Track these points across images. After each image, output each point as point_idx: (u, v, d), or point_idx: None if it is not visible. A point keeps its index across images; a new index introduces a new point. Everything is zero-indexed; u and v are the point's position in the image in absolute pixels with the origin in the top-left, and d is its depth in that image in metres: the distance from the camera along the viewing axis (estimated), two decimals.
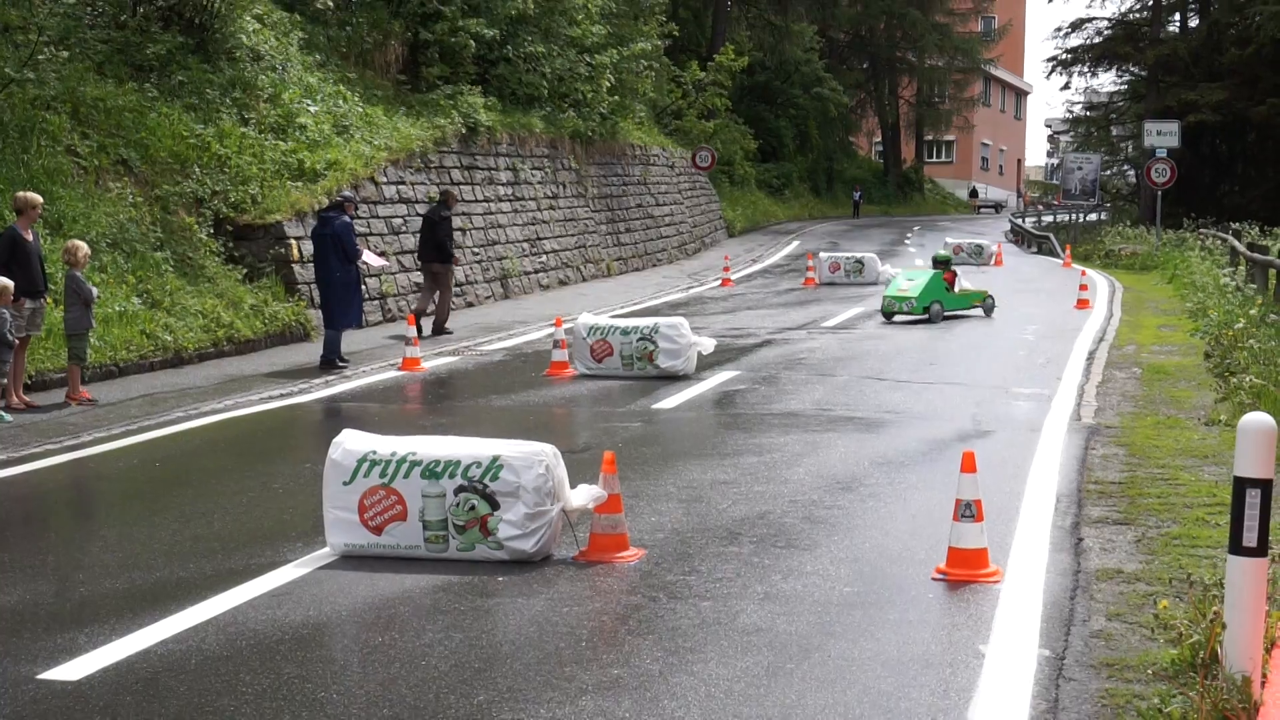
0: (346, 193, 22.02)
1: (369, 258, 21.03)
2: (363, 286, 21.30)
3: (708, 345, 19.37)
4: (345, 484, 9.76)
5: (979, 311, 28.27)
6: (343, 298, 20.57)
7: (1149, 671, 7.33)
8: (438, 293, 25.66)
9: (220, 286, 22.66)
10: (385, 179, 28.49)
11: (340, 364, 20.39)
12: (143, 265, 21.35)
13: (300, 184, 25.67)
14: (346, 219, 20.61)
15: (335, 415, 16.63)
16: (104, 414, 16.29)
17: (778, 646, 7.78)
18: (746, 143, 65.67)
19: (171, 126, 24.39)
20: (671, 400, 17.22)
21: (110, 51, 25.00)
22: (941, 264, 28.37)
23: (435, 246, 25.36)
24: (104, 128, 23.20)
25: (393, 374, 20.01)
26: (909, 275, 28.44)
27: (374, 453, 9.82)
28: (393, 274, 27.54)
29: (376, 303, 26.69)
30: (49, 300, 17.58)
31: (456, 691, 7.05)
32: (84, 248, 17.37)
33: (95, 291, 17.44)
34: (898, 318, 27.39)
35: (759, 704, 6.88)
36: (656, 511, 11.04)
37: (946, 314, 27.53)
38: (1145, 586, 8.93)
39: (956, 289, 28.09)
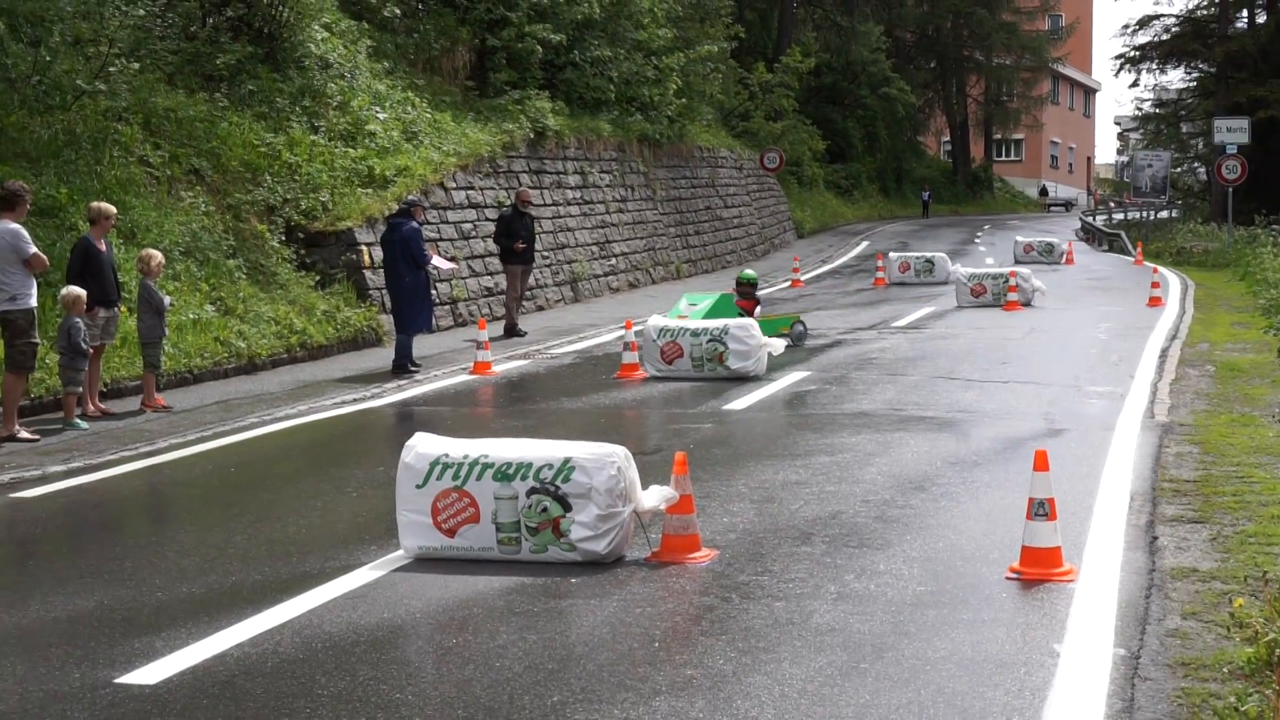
0: (414, 198, 22.11)
1: (438, 263, 21.11)
2: (433, 291, 21.32)
3: (778, 346, 19.35)
4: (418, 487, 9.81)
5: (1040, 307, 28.01)
6: (412, 303, 20.64)
7: (1225, 670, 7.27)
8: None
9: (293, 293, 22.83)
10: (454, 184, 28.60)
11: (412, 369, 20.47)
12: (216, 273, 21.54)
13: (370, 190, 25.82)
14: (414, 224, 20.68)
15: (407, 419, 16.71)
16: (179, 420, 16.44)
17: (851, 646, 7.76)
18: (814, 144, 65.48)
19: (242, 135, 24.59)
20: (742, 401, 17.21)
21: (180, 62, 25.23)
22: (745, 286, 23.04)
23: (501, 248, 25.70)
24: (175, 138, 23.42)
25: (464, 378, 20.09)
26: (693, 299, 23.07)
27: (446, 456, 9.86)
28: (463, 278, 27.66)
29: (447, 307, 26.81)
30: (123, 309, 17.75)
31: (531, 692, 7.07)
32: (157, 256, 17.54)
33: (168, 300, 17.60)
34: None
35: (833, 704, 6.87)
36: (728, 512, 11.04)
37: None
38: (1220, 585, 8.85)
39: (757, 314, 22.35)
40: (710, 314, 21.63)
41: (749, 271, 24.06)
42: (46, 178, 20.08)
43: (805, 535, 10.30)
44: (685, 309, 22.45)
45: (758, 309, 22.79)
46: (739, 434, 15.34)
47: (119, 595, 9.16)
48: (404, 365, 20.53)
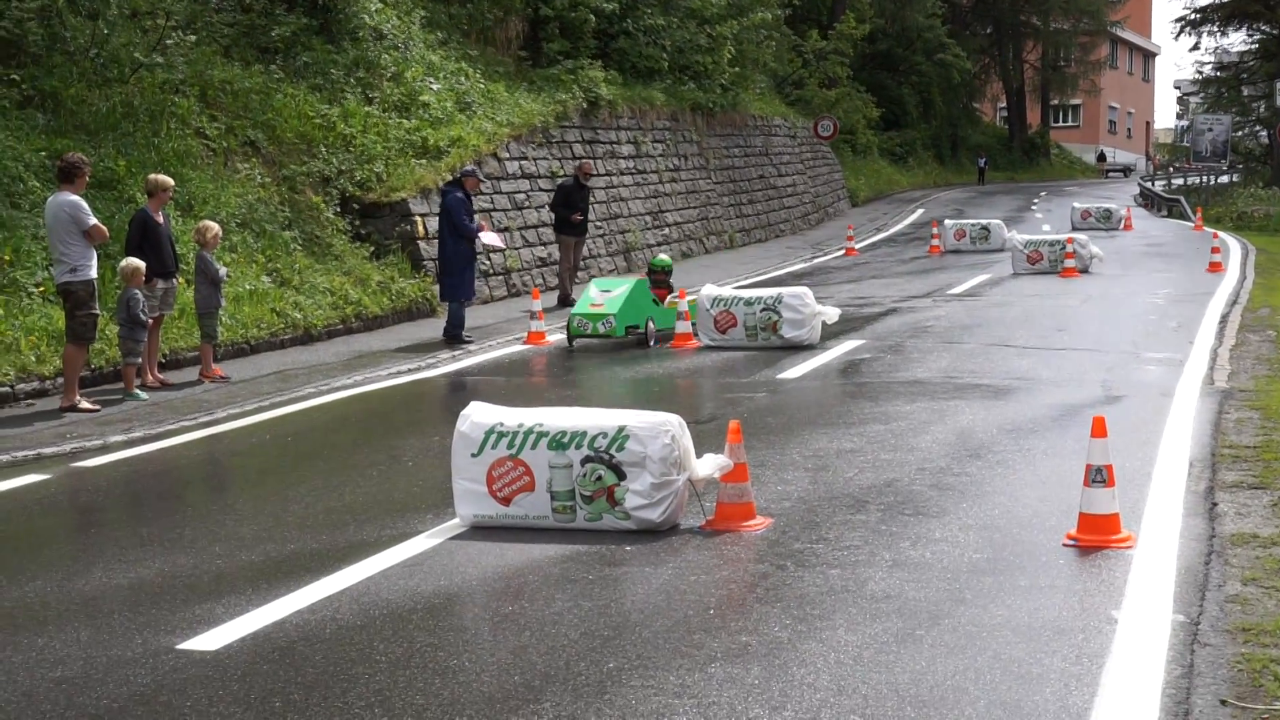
0: (469, 168, 22.09)
1: (486, 238, 21.04)
2: (476, 260, 21.23)
3: (832, 315, 19.31)
4: (473, 456, 9.85)
5: (1097, 274, 27.85)
6: (452, 270, 20.74)
7: None
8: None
9: (348, 264, 22.92)
10: (508, 154, 28.62)
11: (466, 339, 20.53)
12: (272, 244, 21.65)
13: (424, 161, 25.89)
14: (459, 194, 20.72)
15: (462, 389, 16.77)
16: (236, 391, 16.55)
17: (907, 613, 7.75)
18: (869, 111, 65.16)
19: (297, 107, 24.70)
20: (796, 370, 17.19)
21: (236, 35, 25.36)
22: (659, 273, 21.66)
23: (557, 217, 25.76)
24: (231, 110, 23.54)
25: (518, 348, 20.16)
26: (604, 285, 20.82)
27: (501, 424, 9.89)
28: (516, 249, 27.70)
29: (501, 278, 26.86)
30: (181, 281, 17.86)
31: (586, 659, 7.10)
32: (214, 228, 17.63)
33: (225, 271, 17.70)
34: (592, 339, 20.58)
35: (889, 670, 6.87)
36: (783, 480, 11.04)
37: (660, 334, 20.68)
38: None
39: (668, 303, 21.06)
40: (625, 302, 19.89)
41: (663, 257, 22.33)
42: (105, 150, 20.22)
43: (860, 503, 10.29)
44: (597, 296, 20.26)
45: (669, 296, 21.15)
46: (793, 402, 15.33)
47: (179, 563, 9.24)
48: (457, 334, 20.59)
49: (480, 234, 20.80)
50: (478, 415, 10.04)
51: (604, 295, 20.21)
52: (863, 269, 33.19)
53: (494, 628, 7.87)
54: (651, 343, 20.18)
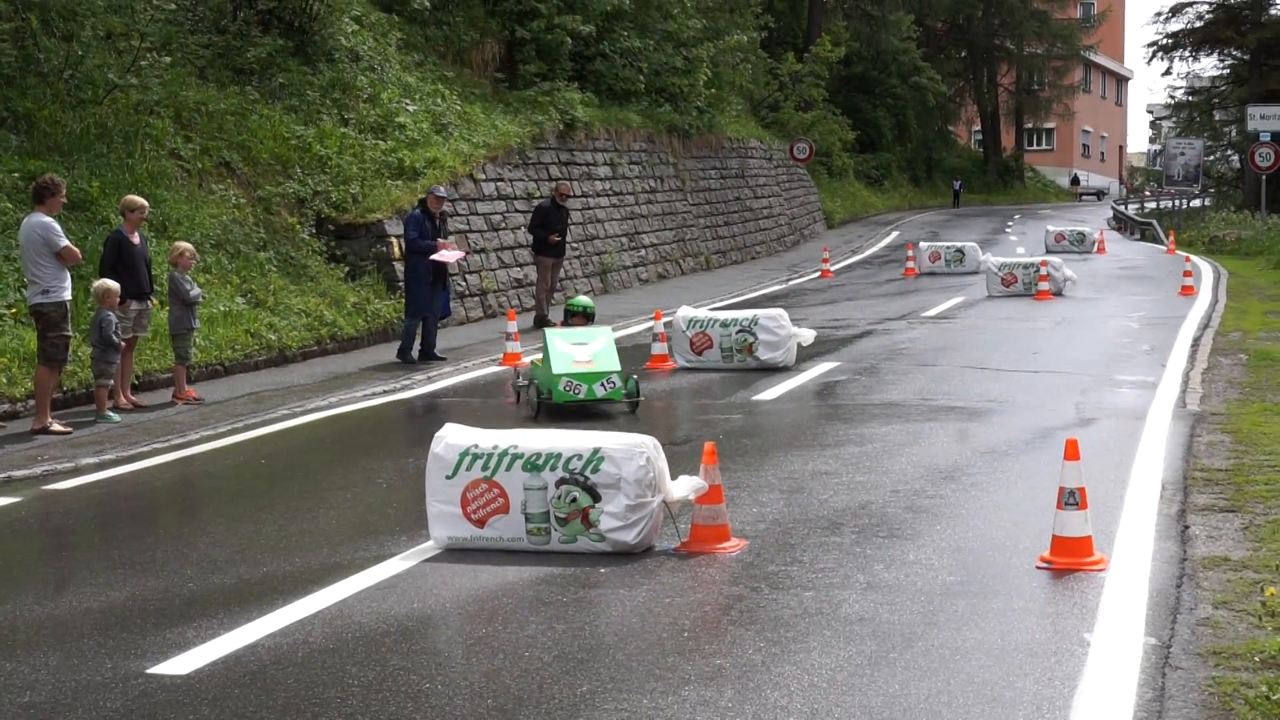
0: (435, 188, 21.84)
1: (441, 255, 20.84)
2: (430, 279, 20.98)
3: (807, 337, 19.33)
4: (448, 478, 9.83)
5: (1071, 297, 27.95)
6: (409, 286, 20.99)
7: (1256, 659, 7.25)
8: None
9: (323, 285, 22.89)
10: (484, 176, 28.64)
11: (409, 359, 20.58)
12: (247, 265, 21.62)
13: (400, 182, 25.88)
14: (416, 213, 20.80)
15: (437, 410, 16.75)
16: (210, 413, 16.49)
17: (881, 636, 7.75)
18: (844, 134, 65.32)
19: (273, 128, 24.68)
20: (772, 392, 17.20)
21: (211, 56, 25.34)
22: (579, 316, 17.54)
23: (535, 239, 25.75)
24: (206, 131, 23.51)
25: (494, 369, 20.12)
26: (569, 337, 16.29)
27: (476, 446, 9.88)
28: (492, 270, 27.69)
29: (477, 299, 26.84)
30: (155, 302, 17.80)
31: (560, 682, 7.09)
32: (188, 249, 17.58)
33: (199, 293, 17.64)
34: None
35: (862, 693, 6.86)
36: (758, 502, 11.04)
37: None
38: (1253, 574, 8.81)
39: None
40: (613, 354, 16.13)
41: (583, 299, 18.09)
42: (79, 171, 20.18)
43: (834, 525, 10.29)
44: (573, 350, 15.91)
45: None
46: (768, 424, 15.34)
47: (151, 586, 9.20)
48: (404, 351, 20.64)
49: (436, 253, 20.62)
50: (452, 437, 10.02)
51: (582, 348, 15.89)
52: (838, 291, 33.24)
53: (467, 651, 7.85)
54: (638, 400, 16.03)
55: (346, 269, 23.90)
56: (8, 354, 16.57)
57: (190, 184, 22.37)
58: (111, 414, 15.96)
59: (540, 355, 16.62)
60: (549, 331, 16.46)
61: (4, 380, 16.18)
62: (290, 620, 8.25)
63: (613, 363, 15.76)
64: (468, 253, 25.86)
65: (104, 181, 20.40)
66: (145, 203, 17.42)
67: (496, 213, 28.66)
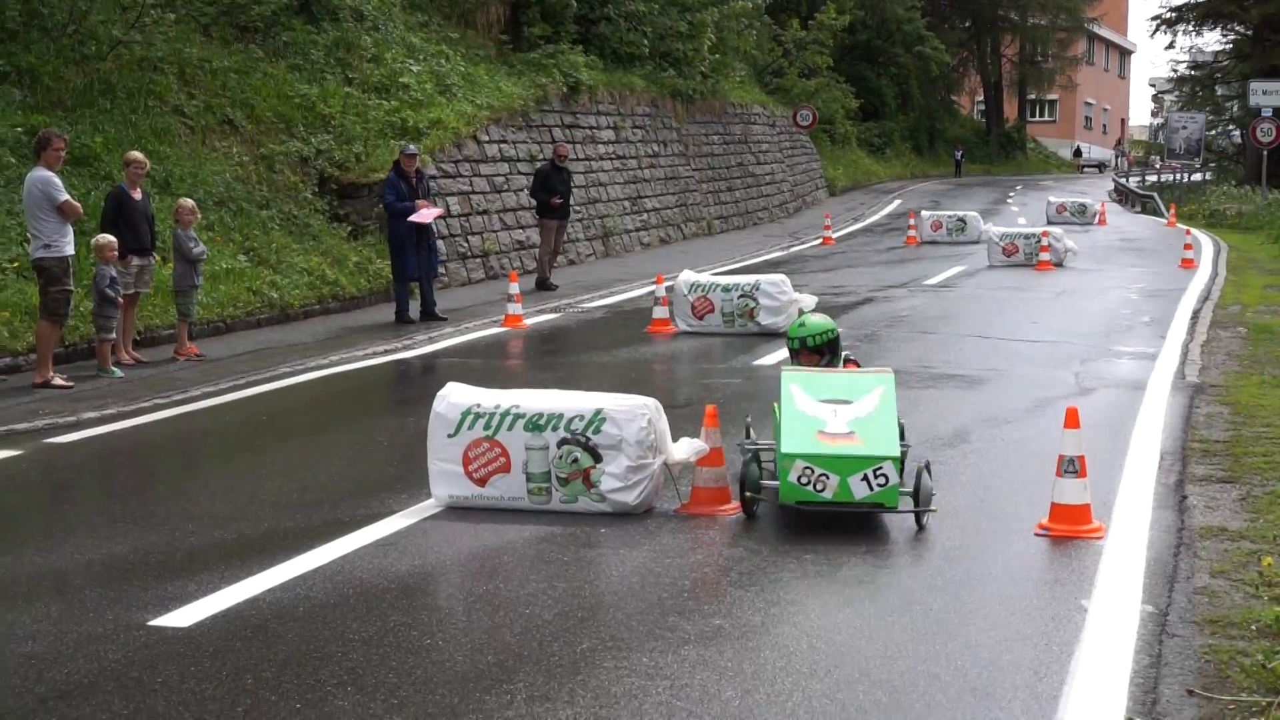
0: (408, 149, 21.65)
1: (418, 215, 20.73)
2: (410, 239, 20.90)
3: (809, 302, 19.30)
4: (450, 436, 9.85)
5: (1071, 267, 28.02)
6: (391, 249, 21.15)
7: (1252, 628, 7.29)
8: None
9: (325, 244, 22.89)
10: (487, 137, 28.58)
11: (407, 319, 20.60)
12: (249, 223, 21.61)
13: (403, 142, 25.81)
14: (390, 175, 20.91)
15: (437, 371, 16.76)
16: (212, 369, 16.51)
17: (879, 599, 7.80)
18: (848, 101, 65.17)
19: (276, 87, 24.65)
20: (772, 357, 17.20)
21: (216, 14, 25.28)
22: (809, 352, 10.47)
23: (538, 202, 25.72)
24: (210, 88, 23.48)
25: (495, 330, 20.13)
26: (830, 387, 9.70)
27: (478, 406, 9.90)
28: (494, 231, 27.66)
29: (479, 260, 26.82)
30: (158, 258, 17.79)
31: (560, 639, 7.12)
32: (190, 205, 17.58)
33: (202, 250, 17.64)
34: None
35: (861, 655, 6.90)
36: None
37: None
38: (1249, 544, 8.86)
39: None
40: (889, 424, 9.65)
41: (816, 319, 10.77)
42: (82, 127, 20.17)
43: None
44: (825, 414, 9.44)
45: None
46: (768, 389, 15.29)
47: (152, 540, 9.22)
48: (400, 313, 20.67)
49: (414, 215, 20.56)
50: (455, 396, 10.04)
51: (836, 410, 9.48)
52: (839, 258, 33.22)
53: (468, 607, 7.89)
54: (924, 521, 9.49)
55: (349, 228, 23.88)
56: (10, 308, 16.58)
57: (194, 141, 22.35)
58: (113, 369, 15.98)
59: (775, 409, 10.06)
60: (787, 373, 9.79)
61: (6, 334, 16.19)
62: (291, 575, 8.28)
63: (888, 441, 9.24)
64: (446, 212, 25.66)
65: (107, 137, 20.39)
66: (142, 157, 17.39)
67: (499, 174, 28.61)
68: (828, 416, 9.34)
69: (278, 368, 16.67)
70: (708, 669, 6.71)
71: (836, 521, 9.28)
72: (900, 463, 9.18)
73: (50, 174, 15.25)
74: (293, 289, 21.06)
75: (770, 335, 18.84)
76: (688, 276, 20.16)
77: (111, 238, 16.11)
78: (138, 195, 16.98)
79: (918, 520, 9.25)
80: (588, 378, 15.68)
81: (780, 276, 19.74)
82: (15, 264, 17.28)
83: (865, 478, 9.04)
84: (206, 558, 8.76)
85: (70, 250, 15.36)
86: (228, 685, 6.57)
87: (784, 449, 9.16)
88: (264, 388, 15.52)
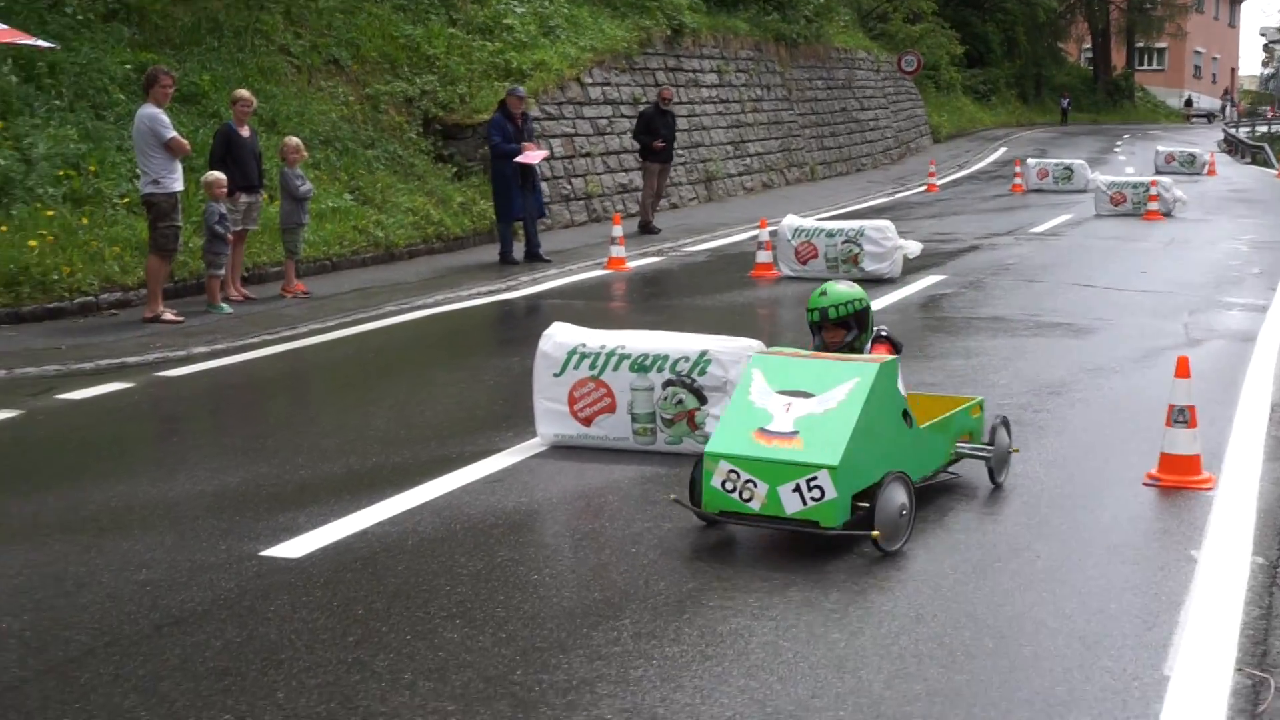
0: (511, 87, 21.71)
1: (525, 156, 20.79)
2: (516, 180, 20.96)
3: (914, 249, 19.19)
4: (555, 376, 9.89)
5: (1180, 218, 27.69)
6: (496, 191, 21.06)
7: None
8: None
9: (429, 184, 22.99)
10: (590, 80, 28.55)
11: (510, 260, 20.62)
12: (355, 162, 21.74)
13: (507, 84, 25.83)
14: (497, 116, 20.82)
15: (541, 311, 16.80)
16: (318, 307, 16.65)
17: (986, 546, 7.75)
18: (953, 47, 64.50)
19: (381, 27, 24.75)
20: (876, 303, 17.02)
21: None
22: (832, 325, 8.87)
23: (641, 145, 25.66)
24: (316, 27, 23.61)
25: (598, 273, 20.17)
26: (801, 374, 8.03)
27: (583, 346, 9.92)
28: (598, 174, 27.65)
29: (582, 203, 26.85)
30: (265, 196, 17.94)
31: (666, 578, 7.14)
32: (296, 144, 17.70)
33: (309, 188, 17.76)
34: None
35: (968, 600, 6.87)
36: None
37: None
38: None
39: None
40: (858, 429, 7.83)
41: (841, 286, 9.05)
42: (190, 65, 20.35)
43: None
44: (773, 404, 7.90)
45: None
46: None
47: (262, 472, 9.34)
48: (506, 254, 20.72)
49: (521, 155, 20.63)
50: (560, 335, 10.07)
51: (790, 404, 7.87)
52: (944, 205, 32.95)
53: (574, 545, 7.93)
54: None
55: (454, 169, 23.96)
56: (120, 243, 16.80)
57: (300, 80, 22.50)
58: (222, 305, 16.16)
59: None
60: (757, 356, 8.50)
61: (117, 269, 16.41)
62: (400, 510, 8.36)
63: (832, 446, 7.51)
64: (551, 154, 25.66)
65: (215, 75, 20.57)
66: (251, 95, 17.52)
67: (602, 117, 28.59)
68: (777, 411, 7.80)
69: (383, 306, 16.79)
70: (813, 611, 6.72)
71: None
72: (843, 473, 7.41)
73: (158, 111, 15.41)
74: (398, 229, 21.18)
75: (875, 281, 18.73)
76: (791, 221, 20.07)
77: (220, 175, 16.25)
78: (245, 133, 17.13)
79: (879, 540, 7.44)
80: (691, 321, 15.67)
81: (885, 222, 19.62)
82: (125, 200, 17.48)
83: (797, 488, 7.45)
84: (316, 491, 8.86)
85: (178, 186, 15.53)
86: (339, 615, 6.65)
87: (710, 446, 7.79)
88: (370, 325, 15.65)
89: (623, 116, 28.96)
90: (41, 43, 14.28)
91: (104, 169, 17.81)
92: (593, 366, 9.79)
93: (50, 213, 16.67)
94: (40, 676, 5.94)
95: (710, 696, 5.71)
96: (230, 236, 16.31)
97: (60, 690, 5.79)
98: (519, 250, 21.00)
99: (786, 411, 7.75)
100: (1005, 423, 9.08)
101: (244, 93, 17.43)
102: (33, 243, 15.92)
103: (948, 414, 8.85)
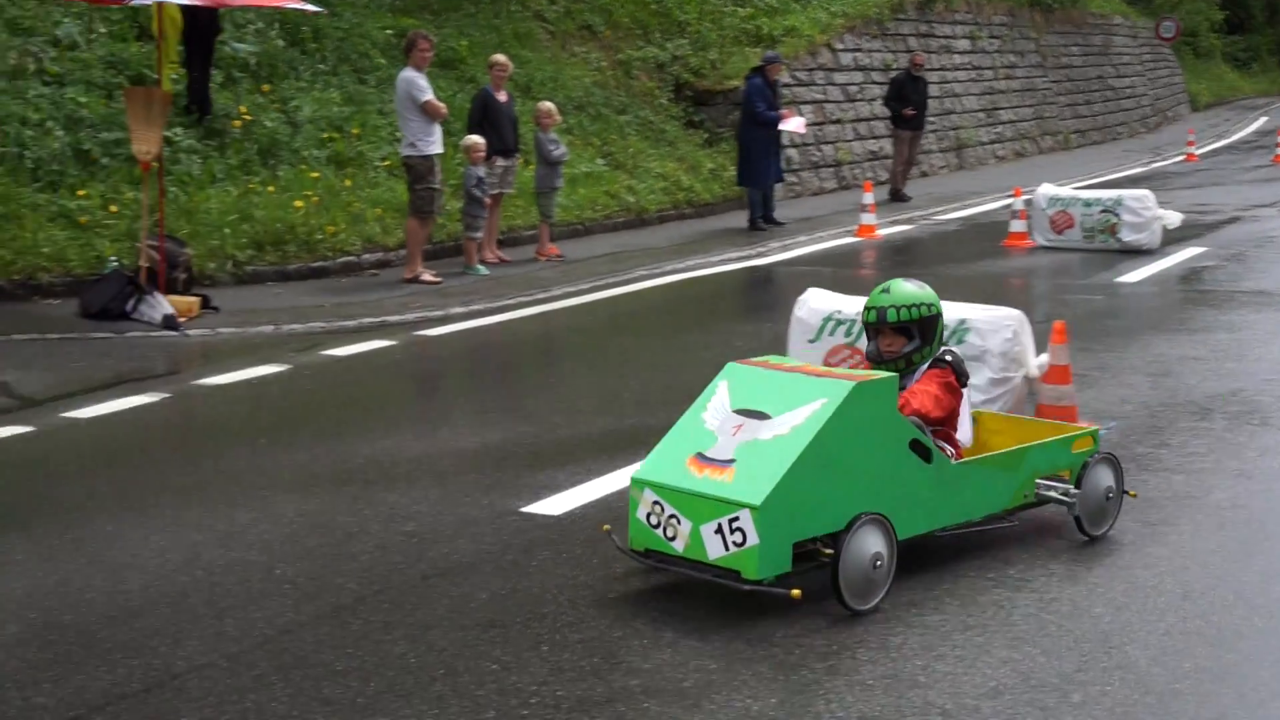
0: (771, 54, 21.76)
1: (787, 124, 20.77)
2: (776, 147, 20.97)
3: (1174, 219, 18.72)
4: (810, 342, 9.82)
5: None
6: (749, 157, 20.87)
7: None
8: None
9: (680, 150, 23.09)
10: (841, 46, 28.36)
11: (761, 226, 20.57)
12: (607, 128, 21.93)
13: (758, 50, 25.79)
14: (757, 80, 20.69)
15: (790, 278, 16.75)
16: (571, 270, 16.85)
17: (1254, 523, 7.56)
18: (1212, 13, 62.71)
19: None
20: (1135, 274, 16.76)
21: None
22: (887, 327, 7.43)
23: (892, 112, 25.43)
24: None
25: (848, 240, 20.06)
26: (771, 389, 6.70)
27: (839, 312, 9.84)
28: (847, 142, 27.48)
29: (832, 170, 26.71)
30: (520, 160, 18.18)
31: (925, 546, 7.05)
32: (550, 109, 17.89)
33: (563, 152, 17.94)
34: None
35: (1236, 579, 6.71)
36: (1123, 384, 10.82)
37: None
38: None
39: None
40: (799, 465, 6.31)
41: (906, 285, 7.64)
42: (448, 30, 20.71)
43: (1204, 411, 10.02)
44: (720, 426, 6.65)
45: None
46: (1131, 307, 14.98)
47: (521, 431, 9.49)
48: (754, 220, 20.69)
49: (782, 122, 20.60)
50: (815, 301, 9.99)
51: (749, 426, 6.54)
52: (1203, 175, 32.05)
53: None
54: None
55: (705, 135, 24.02)
56: (381, 205, 17.19)
57: (554, 45, 22.76)
58: (479, 267, 16.44)
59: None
60: (733, 365, 7.07)
61: (378, 230, 16.80)
62: None
63: (762, 482, 6.19)
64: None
65: (472, 41, 20.91)
66: (504, 59, 17.71)
67: (853, 84, 28.39)
68: (724, 434, 6.54)
69: (634, 270, 16.92)
70: (1077, 584, 6.63)
71: (1199, 439, 9.01)
72: (769, 515, 6.05)
73: (416, 74, 15.70)
74: (648, 194, 21.32)
75: (1133, 253, 18.32)
76: (1047, 190, 19.72)
77: (479, 139, 16.51)
78: (502, 97, 17.35)
79: (846, 599, 6.19)
80: (944, 290, 15.27)
81: (1144, 191, 19.17)
82: (386, 162, 17.88)
83: (719, 529, 6.18)
84: (574, 450, 8.98)
85: (434, 150, 15.75)
86: (599, 573, 6.74)
87: (638, 470, 6.65)
88: (621, 289, 15.79)
89: (873, 83, 28.70)
90: (308, 7, 14.63)
91: (366, 132, 18.26)
92: (848, 333, 9.72)
93: (315, 174, 17.15)
94: (314, 622, 6.13)
95: (973, 666, 5.67)
96: (487, 200, 16.57)
97: (333, 635, 5.98)
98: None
99: (733, 435, 6.49)
100: (1111, 462, 7.44)
101: (501, 58, 17.67)
102: (298, 203, 16.39)
103: (1018, 447, 7.31)
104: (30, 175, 15.02)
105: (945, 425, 7.07)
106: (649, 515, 6.44)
